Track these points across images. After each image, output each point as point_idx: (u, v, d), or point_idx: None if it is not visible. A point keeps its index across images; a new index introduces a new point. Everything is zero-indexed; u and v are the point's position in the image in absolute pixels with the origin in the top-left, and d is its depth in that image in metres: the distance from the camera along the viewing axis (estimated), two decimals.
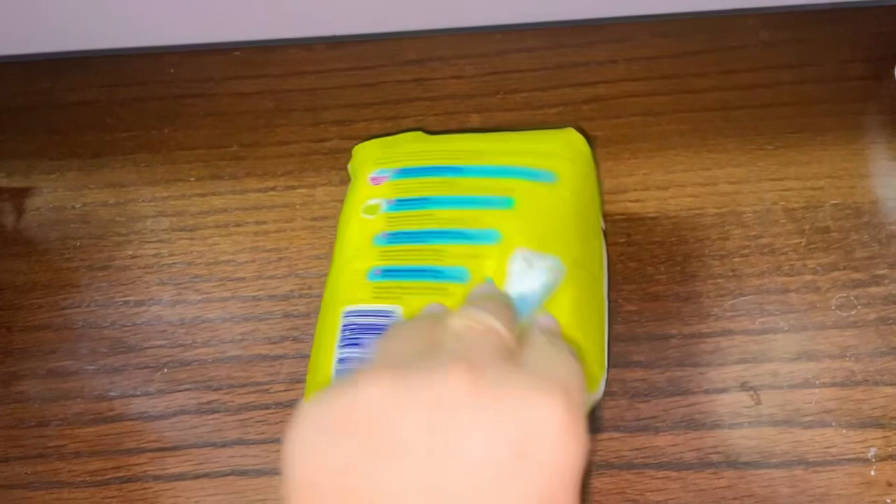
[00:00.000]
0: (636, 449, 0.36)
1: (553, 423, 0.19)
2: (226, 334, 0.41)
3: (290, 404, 0.38)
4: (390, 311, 0.31)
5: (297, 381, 0.39)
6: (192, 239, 0.44)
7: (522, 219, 0.32)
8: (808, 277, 0.40)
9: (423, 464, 0.18)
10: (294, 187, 0.46)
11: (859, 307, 0.39)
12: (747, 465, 0.35)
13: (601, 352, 0.34)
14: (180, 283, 0.43)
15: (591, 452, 0.34)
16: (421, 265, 0.32)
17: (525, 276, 0.27)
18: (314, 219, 0.44)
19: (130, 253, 0.44)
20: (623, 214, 0.43)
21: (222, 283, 0.42)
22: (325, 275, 0.42)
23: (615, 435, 0.36)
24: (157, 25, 0.52)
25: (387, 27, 0.52)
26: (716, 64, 0.49)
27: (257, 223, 0.44)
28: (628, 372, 0.38)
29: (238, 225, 0.44)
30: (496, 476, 0.18)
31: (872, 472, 0.35)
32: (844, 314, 0.39)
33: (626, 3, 0.52)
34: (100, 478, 0.37)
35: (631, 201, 0.44)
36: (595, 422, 0.37)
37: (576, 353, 0.23)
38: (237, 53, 0.52)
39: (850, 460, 0.35)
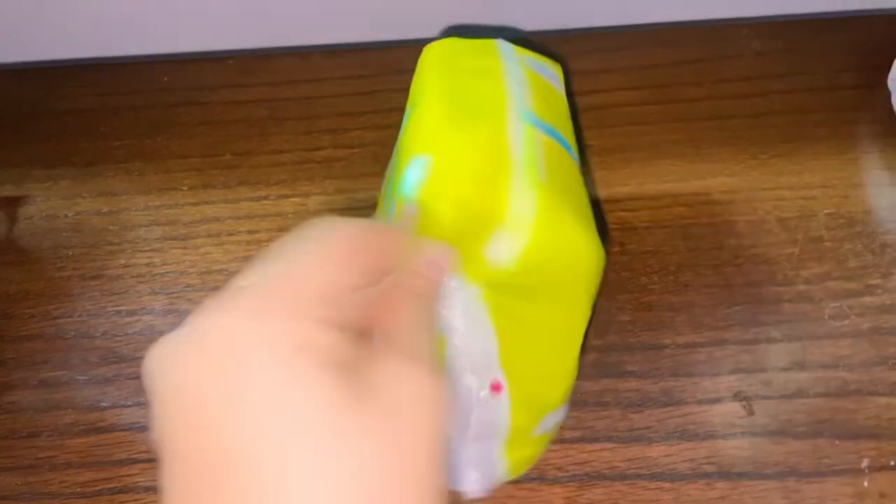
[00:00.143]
0: (629, 459, 0.36)
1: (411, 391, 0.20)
2: None
3: None
4: None
5: None
6: (185, 248, 0.44)
7: None
8: (801, 287, 0.40)
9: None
10: (287, 196, 0.46)
11: (853, 317, 0.39)
12: (741, 475, 0.35)
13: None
14: (172, 293, 0.42)
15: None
16: None
17: None
18: None
19: (123, 262, 0.44)
20: (617, 224, 0.43)
21: (214, 292, 0.42)
22: None
23: (608, 445, 0.36)
24: (150, 33, 0.52)
25: (381, 36, 0.52)
26: (709, 73, 0.49)
27: (250, 232, 0.44)
28: (622, 382, 0.38)
29: (231, 234, 0.44)
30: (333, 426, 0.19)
31: (865, 483, 0.35)
32: (838, 324, 0.39)
33: (619, 13, 0.52)
34: (91, 489, 0.37)
35: (624, 210, 0.44)
36: (588, 432, 0.37)
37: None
38: (231, 62, 0.52)
39: (843, 471, 0.35)
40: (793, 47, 0.50)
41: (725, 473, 0.35)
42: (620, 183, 0.45)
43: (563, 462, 0.36)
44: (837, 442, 0.36)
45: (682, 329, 0.39)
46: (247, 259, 0.43)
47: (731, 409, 0.37)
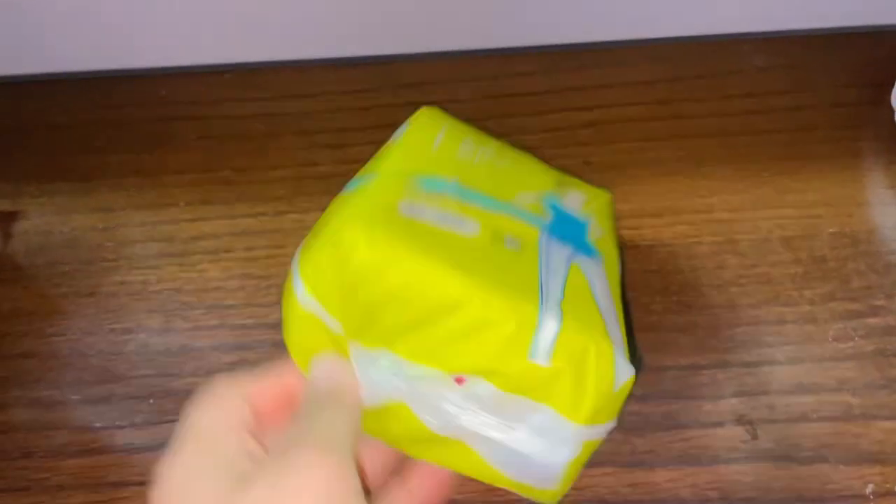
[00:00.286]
0: (631, 485, 0.35)
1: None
2: (214, 363, 0.40)
3: None
4: None
5: None
6: (182, 265, 0.43)
7: None
8: (805, 308, 0.40)
9: None
10: (285, 213, 0.45)
11: (857, 339, 0.39)
12: (744, 501, 0.35)
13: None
14: (169, 311, 0.42)
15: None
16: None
17: None
18: None
19: (118, 279, 0.43)
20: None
21: (211, 310, 0.42)
22: None
23: (609, 470, 0.36)
24: (148, 47, 0.51)
25: (381, 50, 0.52)
26: (711, 89, 0.49)
27: (247, 249, 0.44)
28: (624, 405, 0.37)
29: (228, 251, 0.44)
30: None
31: None
32: (842, 346, 0.38)
33: (621, 28, 0.52)
34: None
35: (626, 228, 0.43)
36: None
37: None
38: (229, 76, 0.51)
39: (847, 497, 0.35)
40: (795, 63, 0.50)
41: (729, 499, 0.35)
42: (621, 200, 0.44)
43: None
44: (842, 467, 0.35)
45: (685, 350, 0.39)
46: (244, 276, 0.43)
47: (734, 433, 0.36)
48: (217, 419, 0.24)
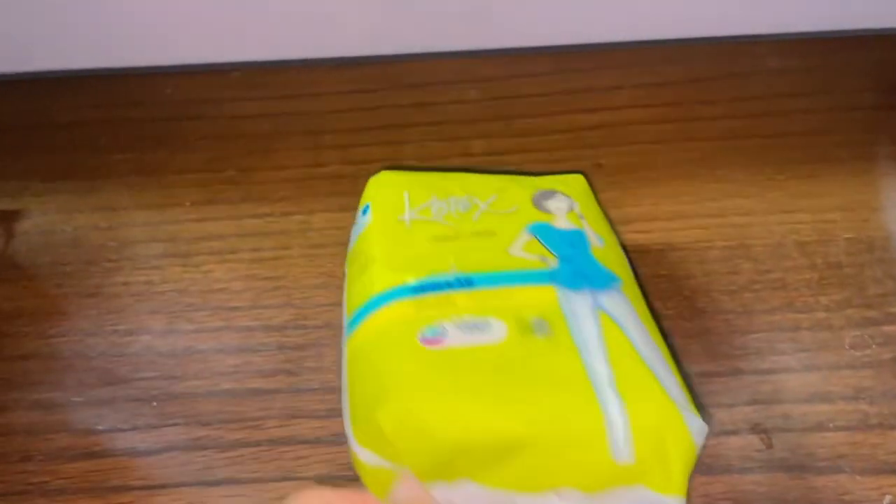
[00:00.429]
0: None
1: None
2: (218, 366, 0.39)
3: (284, 442, 0.37)
4: None
5: (292, 416, 0.37)
6: (186, 266, 0.43)
7: None
8: (820, 315, 0.39)
9: None
10: (291, 214, 0.44)
11: (874, 346, 0.38)
12: None
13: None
14: (172, 312, 0.41)
15: None
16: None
17: None
18: (312, 246, 0.43)
19: (121, 279, 0.43)
20: (629, 246, 0.42)
21: (216, 312, 0.41)
22: (322, 305, 0.41)
23: None
24: (154, 44, 0.51)
25: (388, 49, 0.51)
26: (724, 91, 0.48)
27: (253, 250, 0.43)
28: None
29: (233, 252, 0.43)
30: None
31: None
32: (858, 353, 0.38)
33: (632, 28, 0.51)
34: None
35: (637, 232, 0.42)
36: None
37: None
38: (236, 74, 0.51)
39: None
40: (810, 65, 0.49)
41: None
42: (633, 203, 0.44)
43: None
44: (859, 478, 0.35)
45: (697, 357, 0.38)
46: (249, 278, 0.42)
47: (748, 442, 0.35)
48: None
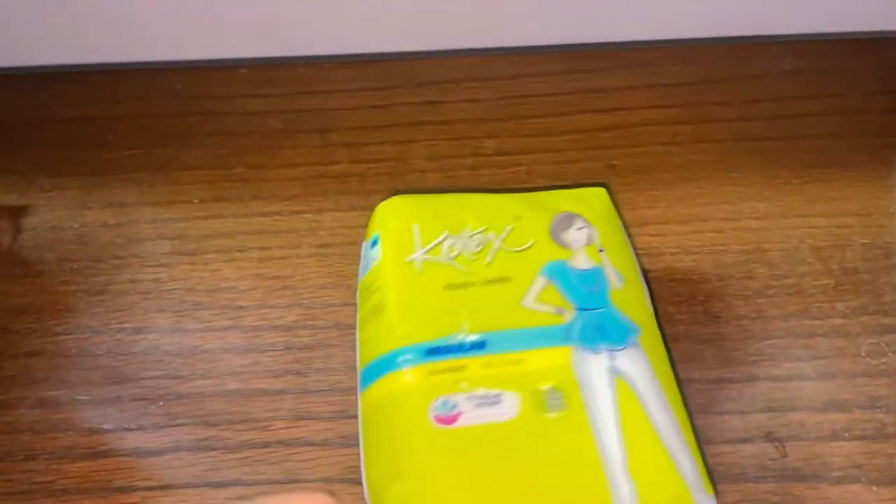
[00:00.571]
0: None
1: None
2: (225, 366, 0.39)
3: (291, 443, 0.36)
4: None
5: (299, 418, 0.37)
6: (193, 264, 0.42)
7: None
8: (836, 321, 0.38)
9: None
10: (300, 212, 0.44)
11: (890, 354, 0.37)
12: None
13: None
14: (179, 311, 0.41)
15: None
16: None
17: None
18: (320, 246, 0.43)
19: (129, 277, 0.42)
20: (642, 249, 0.41)
21: (223, 311, 0.41)
22: (331, 305, 0.41)
23: None
24: (162, 40, 0.50)
25: (399, 47, 0.51)
26: (738, 93, 0.48)
27: (261, 249, 0.43)
28: None
29: (241, 250, 0.43)
30: None
31: None
32: (875, 361, 0.37)
33: (645, 28, 0.50)
34: None
35: (651, 235, 0.42)
36: None
37: None
38: (245, 71, 0.50)
39: None
40: (825, 67, 0.49)
41: None
42: (647, 205, 0.43)
43: None
44: (875, 488, 0.34)
45: (710, 363, 0.37)
46: (257, 277, 0.42)
47: (762, 451, 0.35)
48: None
